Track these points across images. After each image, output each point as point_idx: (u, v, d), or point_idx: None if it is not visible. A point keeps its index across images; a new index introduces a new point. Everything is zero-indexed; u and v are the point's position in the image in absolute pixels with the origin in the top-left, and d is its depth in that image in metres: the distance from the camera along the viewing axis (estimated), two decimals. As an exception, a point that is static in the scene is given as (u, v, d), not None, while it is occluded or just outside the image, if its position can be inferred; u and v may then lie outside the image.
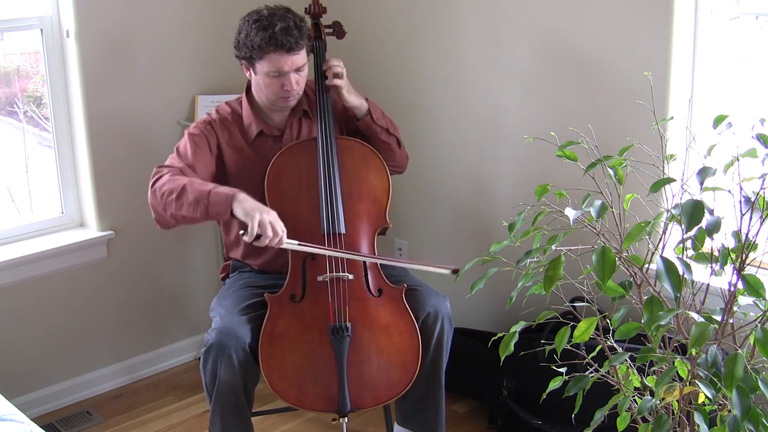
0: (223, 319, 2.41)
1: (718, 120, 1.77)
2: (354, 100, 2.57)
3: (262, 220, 2.24)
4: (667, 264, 1.60)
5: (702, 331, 1.55)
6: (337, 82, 2.52)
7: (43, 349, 3.06)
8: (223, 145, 2.55)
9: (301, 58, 2.44)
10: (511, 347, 1.85)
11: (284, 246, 2.32)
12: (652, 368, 1.89)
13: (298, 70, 2.45)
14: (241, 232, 2.27)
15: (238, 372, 2.32)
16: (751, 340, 1.70)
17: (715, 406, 1.79)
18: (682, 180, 1.84)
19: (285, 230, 2.30)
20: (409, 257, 3.36)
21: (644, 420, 1.80)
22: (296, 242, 2.35)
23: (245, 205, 2.27)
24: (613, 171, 1.84)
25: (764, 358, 1.58)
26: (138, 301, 3.27)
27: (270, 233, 2.25)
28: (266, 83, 2.46)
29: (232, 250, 2.68)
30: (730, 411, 1.67)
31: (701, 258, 1.75)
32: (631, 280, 1.83)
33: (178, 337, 3.42)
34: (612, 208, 1.82)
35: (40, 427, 1.98)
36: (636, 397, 1.84)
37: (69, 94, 3.00)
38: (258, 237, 2.25)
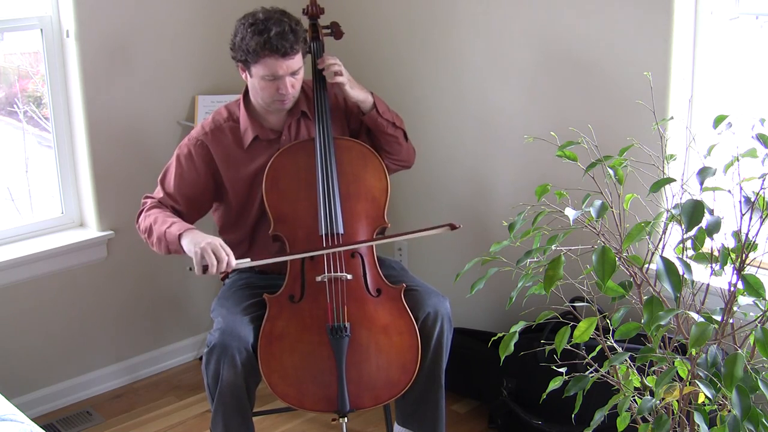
0: (225, 319, 2.42)
1: (718, 120, 1.77)
2: (359, 94, 2.56)
3: (203, 250, 2.27)
4: (667, 264, 1.60)
5: (702, 331, 1.55)
6: (339, 79, 2.52)
7: (43, 349, 3.06)
8: (217, 158, 2.55)
9: (297, 62, 2.44)
10: (511, 347, 1.85)
11: (234, 267, 2.33)
12: (652, 368, 1.89)
13: (293, 73, 2.44)
14: (189, 268, 2.31)
15: (241, 372, 2.32)
16: (751, 340, 1.70)
17: (715, 406, 1.79)
18: (682, 180, 1.84)
19: (231, 254, 2.31)
20: (409, 257, 3.36)
21: (644, 420, 1.80)
22: (248, 260, 2.38)
23: (189, 240, 2.34)
24: (613, 171, 1.84)
25: (764, 358, 1.58)
26: (138, 301, 3.27)
27: (214, 261, 2.27)
28: (261, 86, 2.46)
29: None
30: (730, 411, 1.67)
31: (701, 258, 1.75)
32: (631, 280, 1.83)
33: (178, 337, 3.42)
34: (612, 208, 1.82)
35: (40, 427, 1.98)
36: (636, 397, 1.84)
37: (69, 94, 3.00)
38: (205, 267, 2.29)
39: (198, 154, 2.54)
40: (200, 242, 2.29)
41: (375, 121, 2.59)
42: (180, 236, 2.37)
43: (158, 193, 2.57)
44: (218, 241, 2.31)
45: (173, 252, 2.43)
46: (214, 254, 2.27)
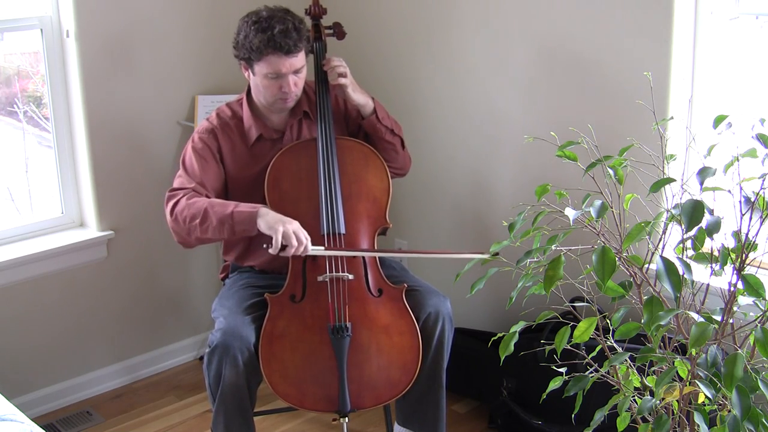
0: (227, 319, 2.41)
1: (718, 120, 1.77)
2: (360, 98, 2.56)
3: (286, 231, 2.28)
4: (667, 264, 1.60)
5: (702, 331, 1.55)
6: (342, 80, 2.52)
7: (43, 349, 3.06)
8: (225, 151, 2.56)
9: (300, 60, 2.44)
10: (511, 347, 1.85)
11: (310, 253, 2.34)
12: (652, 368, 1.89)
13: (296, 72, 2.45)
14: (265, 245, 2.30)
15: (243, 372, 2.32)
16: (751, 340, 1.70)
17: (715, 406, 1.79)
18: (682, 180, 1.84)
19: (309, 238, 2.33)
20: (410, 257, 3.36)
21: (644, 420, 1.80)
22: (322, 248, 2.38)
23: (268, 219, 2.32)
24: (613, 171, 1.84)
25: (764, 358, 1.58)
26: (138, 301, 3.27)
27: (295, 242, 2.29)
28: (264, 85, 2.46)
29: (228, 253, 2.69)
30: (730, 411, 1.67)
31: (701, 258, 1.75)
32: (631, 280, 1.83)
33: (178, 337, 3.42)
34: (612, 208, 1.82)
35: (40, 427, 1.98)
36: (636, 397, 1.84)
37: (69, 94, 3.00)
38: (283, 248, 2.28)
39: (212, 144, 2.54)
40: (284, 221, 2.30)
41: (374, 127, 2.59)
42: (255, 214, 2.33)
43: (187, 183, 2.49)
44: (297, 224, 2.33)
45: (238, 233, 2.38)
46: (296, 236, 2.28)
